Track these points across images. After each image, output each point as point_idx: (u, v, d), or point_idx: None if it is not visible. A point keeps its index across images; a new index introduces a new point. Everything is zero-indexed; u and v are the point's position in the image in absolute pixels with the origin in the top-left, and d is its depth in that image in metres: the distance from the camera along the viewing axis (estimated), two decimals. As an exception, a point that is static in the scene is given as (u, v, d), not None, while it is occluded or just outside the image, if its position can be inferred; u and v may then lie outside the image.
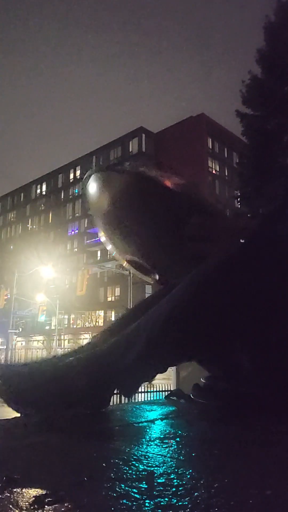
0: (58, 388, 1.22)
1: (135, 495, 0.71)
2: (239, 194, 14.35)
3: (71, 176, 50.02)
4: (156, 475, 0.80)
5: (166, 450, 0.95)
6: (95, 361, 1.26)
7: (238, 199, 14.47)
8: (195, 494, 0.71)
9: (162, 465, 0.86)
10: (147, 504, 0.68)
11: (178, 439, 1.05)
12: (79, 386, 1.20)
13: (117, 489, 0.74)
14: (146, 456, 0.93)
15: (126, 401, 1.56)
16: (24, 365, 1.38)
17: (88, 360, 1.27)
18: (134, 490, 0.73)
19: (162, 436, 1.09)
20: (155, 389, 12.21)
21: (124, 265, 1.55)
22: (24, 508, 0.67)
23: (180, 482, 0.76)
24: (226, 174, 40.59)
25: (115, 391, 1.30)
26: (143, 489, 0.74)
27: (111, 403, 1.39)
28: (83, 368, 1.24)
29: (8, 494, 0.73)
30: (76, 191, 48.68)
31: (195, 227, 1.19)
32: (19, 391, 1.25)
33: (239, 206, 15.51)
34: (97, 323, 40.29)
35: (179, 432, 1.13)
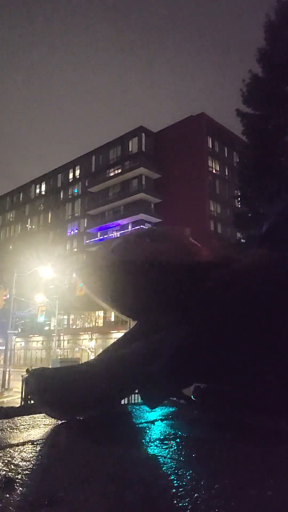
0: (79, 389, 1.22)
1: (135, 496, 0.71)
2: (239, 193, 14.31)
3: (71, 176, 49.85)
4: (156, 476, 0.79)
5: (166, 451, 0.94)
6: (116, 363, 1.26)
7: (239, 199, 14.43)
8: (196, 495, 0.70)
9: (162, 466, 0.85)
10: (147, 506, 0.68)
11: (178, 440, 1.05)
12: (99, 387, 1.20)
13: (117, 490, 0.73)
14: (146, 457, 0.93)
15: (126, 402, 1.56)
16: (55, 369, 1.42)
17: (110, 362, 1.28)
18: (134, 491, 0.72)
19: (162, 437, 1.08)
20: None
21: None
22: (24, 509, 0.67)
23: (180, 483, 0.75)
24: (226, 173, 40.49)
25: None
26: (143, 490, 0.73)
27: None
28: (105, 369, 1.25)
29: (8, 495, 0.72)
30: (76, 191, 48.54)
31: (217, 278, 1.25)
32: (44, 392, 1.26)
33: (239, 205, 15.48)
34: (96, 324, 40.24)
35: (179, 433, 1.12)
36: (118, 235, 42.08)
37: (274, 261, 1.28)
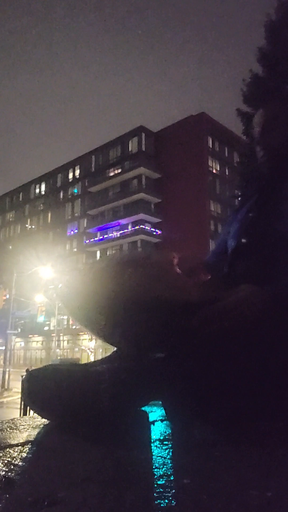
0: (83, 400, 1.20)
1: (135, 496, 0.71)
2: (239, 193, 14.35)
3: (70, 175, 49.94)
4: (155, 477, 0.79)
5: (166, 452, 0.94)
6: (123, 378, 1.22)
7: (239, 199, 14.46)
8: (195, 495, 0.70)
9: (161, 467, 0.85)
10: (146, 506, 0.68)
11: (177, 440, 1.05)
12: (103, 401, 1.18)
13: (116, 491, 0.73)
14: (146, 458, 0.93)
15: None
16: (53, 369, 1.36)
17: (117, 377, 1.23)
18: (133, 492, 0.72)
19: (161, 438, 1.08)
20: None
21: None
22: (24, 509, 0.67)
23: (180, 484, 0.75)
24: (227, 173, 40.60)
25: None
26: (143, 491, 0.73)
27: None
28: (111, 384, 1.21)
29: (8, 495, 0.72)
30: (76, 191, 48.60)
31: (201, 319, 1.18)
32: (45, 399, 1.22)
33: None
34: (96, 323, 40.25)
35: (179, 433, 1.12)
36: (118, 235, 42.07)
37: (264, 299, 1.20)
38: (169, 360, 1.22)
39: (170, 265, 1.34)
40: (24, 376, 1.30)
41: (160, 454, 0.92)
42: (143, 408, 1.51)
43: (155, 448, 0.97)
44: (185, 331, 1.17)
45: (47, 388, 1.24)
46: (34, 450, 0.99)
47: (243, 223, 1.45)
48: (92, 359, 28.80)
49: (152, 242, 40.84)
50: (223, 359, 1.17)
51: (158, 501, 0.68)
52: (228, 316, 1.18)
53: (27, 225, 54.43)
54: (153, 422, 1.24)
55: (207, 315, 1.18)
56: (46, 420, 1.30)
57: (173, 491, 0.72)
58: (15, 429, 1.20)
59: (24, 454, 0.95)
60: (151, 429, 1.18)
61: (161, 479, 0.77)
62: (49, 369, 1.39)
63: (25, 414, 6.96)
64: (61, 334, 37.75)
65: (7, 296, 28.04)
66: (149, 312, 1.15)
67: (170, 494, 0.70)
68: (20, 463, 0.88)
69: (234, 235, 1.47)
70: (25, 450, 0.98)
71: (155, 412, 1.40)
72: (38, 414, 1.27)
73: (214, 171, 41.37)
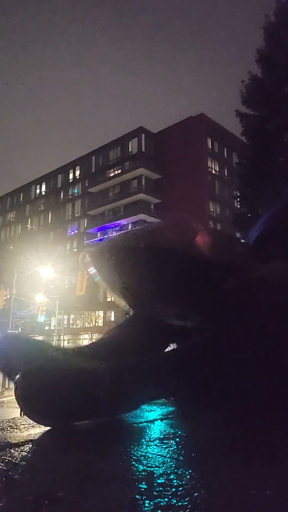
0: (80, 399, 1.17)
1: (135, 495, 0.71)
2: (238, 194, 14.32)
3: (71, 176, 49.97)
4: (155, 475, 0.80)
5: (166, 451, 0.95)
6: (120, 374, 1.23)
7: (238, 199, 14.46)
8: (195, 494, 0.70)
9: (161, 465, 0.85)
10: (146, 505, 0.68)
11: (177, 439, 1.05)
12: (101, 397, 1.17)
13: (116, 489, 0.74)
14: (146, 457, 0.93)
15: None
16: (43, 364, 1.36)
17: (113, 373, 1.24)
18: (133, 490, 0.73)
19: (161, 436, 1.08)
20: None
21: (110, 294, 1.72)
22: (24, 508, 0.67)
23: (179, 482, 0.76)
24: (226, 174, 40.60)
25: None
26: (143, 489, 0.74)
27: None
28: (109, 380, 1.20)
29: (8, 494, 0.73)
30: (76, 192, 48.63)
31: (232, 285, 1.20)
32: (40, 402, 1.20)
33: (238, 206, 15.53)
34: (96, 323, 40.33)
35: (179, 432, 1.13)
36: (118, 236, 42.07)
37: None
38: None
39: (205, 230, 1.40)
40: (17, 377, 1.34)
41: (159, 453, 0.93)
42: (142, 407, 1.51)
43: (154, 447, 0.97)
44: (217, 293, 1.17)
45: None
46: (35, 449, 1.00)
47: (271, 217, 1.55)
48: (92, 359, 28.71)
49: (152, 243, 40.63)
50: (252, 331, 1.17)
51: (158, 499, 0.68)
52: (262, 287, 1.18)
53: (27, 225, 54.47)
54: (153, 421, 1.25)
55: (241, 282, 1.18)
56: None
57: (173, 489, 0.72)
58: (16, 428, 1.20)
59: (25, 453, 0.95)
60: (151, 427, 1.19)
61: (160, 478, 0.78)
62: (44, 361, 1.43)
63: (25, 414, 6.97)
64: (61, 334, 37.73)
65: (8, 296, 28.02)
66: (183, 269, 1.17)
67: (170, 493, 0.71)
68: (20, 462, 0.89)
69: (260, 225, 1.56)
70: (25, 449, 0.99)
71: (154, 411, 1.41)
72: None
73: (213, 171, 41.37)
